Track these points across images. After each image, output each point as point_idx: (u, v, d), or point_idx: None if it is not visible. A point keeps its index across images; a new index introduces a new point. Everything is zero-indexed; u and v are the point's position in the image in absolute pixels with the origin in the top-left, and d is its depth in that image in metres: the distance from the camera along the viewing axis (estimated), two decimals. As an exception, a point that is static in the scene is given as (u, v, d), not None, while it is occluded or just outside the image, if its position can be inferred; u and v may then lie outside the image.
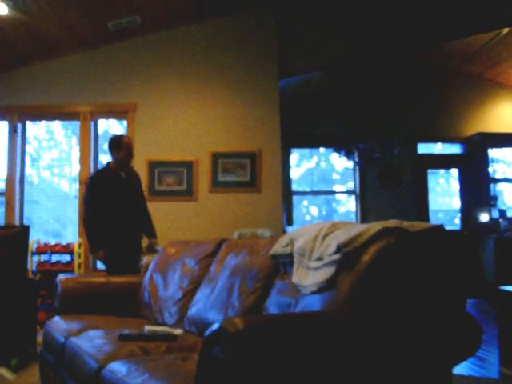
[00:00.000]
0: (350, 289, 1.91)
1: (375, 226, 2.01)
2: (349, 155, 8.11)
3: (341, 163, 8.48)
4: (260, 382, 1.48)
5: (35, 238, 6.15)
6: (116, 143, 4.89)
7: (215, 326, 1.52)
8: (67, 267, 5.98)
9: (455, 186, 8.66)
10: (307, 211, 8.68)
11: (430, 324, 1.87)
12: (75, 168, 6.73)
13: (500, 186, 8.36)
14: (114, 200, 4.75)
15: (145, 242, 4.99)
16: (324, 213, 8.67)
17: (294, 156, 8.43)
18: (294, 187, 8.35)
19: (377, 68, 7.64)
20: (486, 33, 6.62)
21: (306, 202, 8.62)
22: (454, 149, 8.62)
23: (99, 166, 6.65)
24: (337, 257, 2.01)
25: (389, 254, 1.93)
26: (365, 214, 8.16)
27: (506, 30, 6.57)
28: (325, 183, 8.52)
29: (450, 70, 8.28)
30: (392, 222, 2.04)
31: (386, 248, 1.93)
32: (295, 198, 8.36)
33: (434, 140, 8.55)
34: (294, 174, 8.43)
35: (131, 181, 4.96)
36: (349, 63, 7.02)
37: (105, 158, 6.76)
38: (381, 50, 6.68)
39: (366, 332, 1.73)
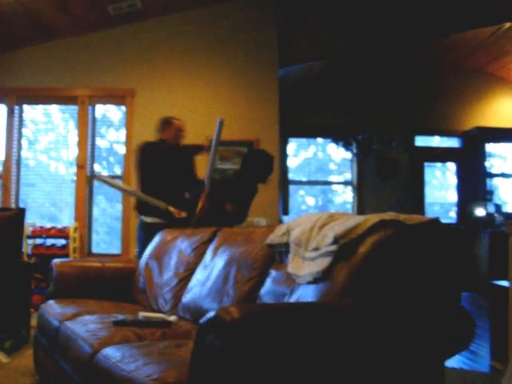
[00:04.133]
0: (345, 280, 1.92)
1: (372, 218, 2.01)
2: (347, 146, 8.10)
3: (338, 154, 8.47)
4: (254, 372, 1.49)
5: (31, 221, 6.15)
6: (165, 122, 4.99)
7: (210, 314, 1.52)
8: (62, 251, 5.99)
9: (452, 179, 8.67)
10: (303, 201, 8.68)
11: (425, 317, 1.87)
12: (72, 152, 6.71)
13: (496, 181, 8.37)
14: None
15: None
16: (320, 203, 8.68)
17: (292, 145, 8.42)
18: (291, 176, 8.35)
19: (377, 60, 7.61)
20: (488, 27, 6.59)
21: (302, 192, 8.62)
22: (452, 142, 8.62)
23: (96, 151, 6.64)
24: (333, 248, 2.01)
25: (385, 246, 1.93)
26: (361, 205, 8.17)
27: (508, 25, 6.54)
28: (322, 173, 8.52)
29: (450, 64, 8.25)
30: (389, 215, 2.04)
31: (382, 240, 1.93)
32: (292, 188, 8.35)
33: (432, 133, 8.55)
34: (291, 163, 8.42)
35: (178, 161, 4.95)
36: (349, 54, 6.99)
37: (101, 143, 6.75)
38: (382, 42, 6.65)
39: (360, 324, 1.73)
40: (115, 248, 6.58)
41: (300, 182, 8.47)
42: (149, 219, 4.72)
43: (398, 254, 1.94)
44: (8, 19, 5.89)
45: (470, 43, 7.38)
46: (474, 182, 8.16)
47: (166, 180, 4.73)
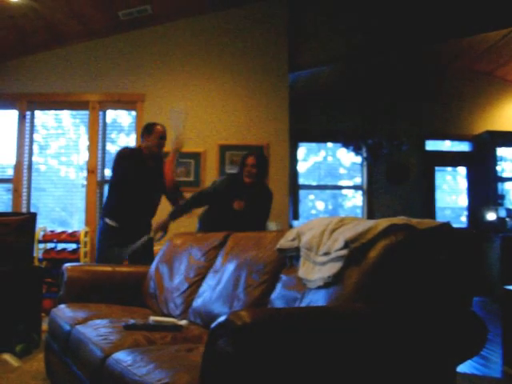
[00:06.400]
0: (356, 285, 1.92)
1: (383, 223, 2.01)
2: (357, 150, 8.08)
3: (348, 158, 8.46)
4: (266, 376, 1.48)
5: (42, 225, 6.18)
6: (147, 129, 4.62)
7: (222, 319, 1.52)
8: (73, 255, 6.00)
9: (462, 183, 8.63)
10: (313, 205, 8.67)
11: (436, 322, 1.87)
12: (83, 157, 6.74)
13: (507, 185, 8.32)
14: (133, 183, 4.50)
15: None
16: (330, 207, 8.66)
17: (301, 150, 8.41)
18: (301, 181, 8.34)
19: (387, 64, 7.60)
20: (497, 30, 6.57)
21: (312, 197, 8.61)
22: (463, 147, 8.58)
23: (106, 156, 6.67)
24: (344, 252, 2.01)
25: (396, 250, 1.92)
26: (371, 209, 8.15)
27: (518, 28, 6.53)
28: (331, 178, 8.51)
29: (460, 68, 8.23)
30: (400, 219, 2.04)
31: (393, 245, 1.93)
32: (302, 192, 8.35)
33: (443, 137, 8.51)
34: (301, 167, 8.41)
35: (155, 172, 4.58)
36: (359, 58, 6.98)
37: (112, 148, 6.78)
38: (392, 46, 6.64)
39: (372, 328, 1.73)
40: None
41: (310, 187, 8.45)
42: (113, 223, 4.48)
43: (409, 258, 1.93)
44: (20, 25, 5.94)
45: (480, 47, 7.35)
46: (485, 186, 8.12)
47: (134, 190, 4.47)
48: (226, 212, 4.38)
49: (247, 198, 4.39)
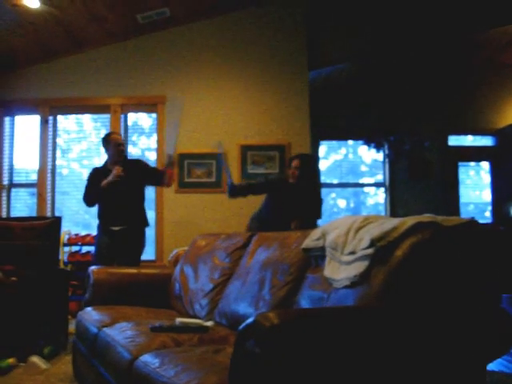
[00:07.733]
0: (382, 284, 1.90)
1: (409, 221, 1.99)
2: (378, 147, 8.03)
3: (369, 155, 8.40)
4: (294, 377, 1.48)
5: (66, 229, 6.23)
6: (105, 141, 5.11)
7: (250, 320, 1.52)
8: (97, 258, 6.05)
9: (486, 178, 8.53)
10: (335, 204, 8.63)
11: (465, 320, 1.84)
12: (104, 160, 6.76)
13: (533, 179, 8.21)
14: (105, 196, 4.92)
15: None
16: (352, 205, 8.62)
17: (322, 148, 8.38)
18: (322, 179, 8.30)
19: (408, 59, 7.53)
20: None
21: (333, 195, 8.57)
22: (486, 141, 8.48)
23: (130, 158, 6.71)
24: (370, 251, 1.99)
25: (423, 248, 1.90)
26: (394, 206, 8.09)
27: (541, 20, 6.42)
28: (353, 175, 8.46)
29: (482, 60, 8.12)
30: (426, 217, 2.02)
31: (420, 243, 1.91)
32: (323, 191, 8.31)
33: (465, 132, 8.42)
34: (322, 166, 8.38)
35: (127, 174, 4.95)
36: (380, 54, 6.93)
37: (133, 150, 6.82)
38: (413, 41, 6.58)
39: (401, 328, 1.71)
40: (149, 254, 6.62)
41: (331, 185, 8.42)
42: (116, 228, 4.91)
43: (435, 256, 1.91)
44: (41, 31, 6.00)
45: (502, 39, 7.26)
46: (510, 181, 8.01)
47: (113, 199, 4.91)
48: (275, 213, 4.58)
49: (292, 198, 4.59)
